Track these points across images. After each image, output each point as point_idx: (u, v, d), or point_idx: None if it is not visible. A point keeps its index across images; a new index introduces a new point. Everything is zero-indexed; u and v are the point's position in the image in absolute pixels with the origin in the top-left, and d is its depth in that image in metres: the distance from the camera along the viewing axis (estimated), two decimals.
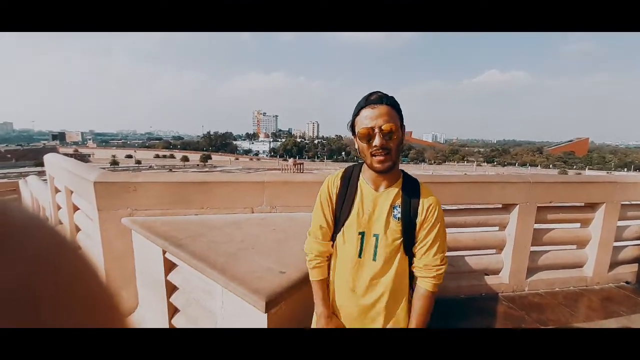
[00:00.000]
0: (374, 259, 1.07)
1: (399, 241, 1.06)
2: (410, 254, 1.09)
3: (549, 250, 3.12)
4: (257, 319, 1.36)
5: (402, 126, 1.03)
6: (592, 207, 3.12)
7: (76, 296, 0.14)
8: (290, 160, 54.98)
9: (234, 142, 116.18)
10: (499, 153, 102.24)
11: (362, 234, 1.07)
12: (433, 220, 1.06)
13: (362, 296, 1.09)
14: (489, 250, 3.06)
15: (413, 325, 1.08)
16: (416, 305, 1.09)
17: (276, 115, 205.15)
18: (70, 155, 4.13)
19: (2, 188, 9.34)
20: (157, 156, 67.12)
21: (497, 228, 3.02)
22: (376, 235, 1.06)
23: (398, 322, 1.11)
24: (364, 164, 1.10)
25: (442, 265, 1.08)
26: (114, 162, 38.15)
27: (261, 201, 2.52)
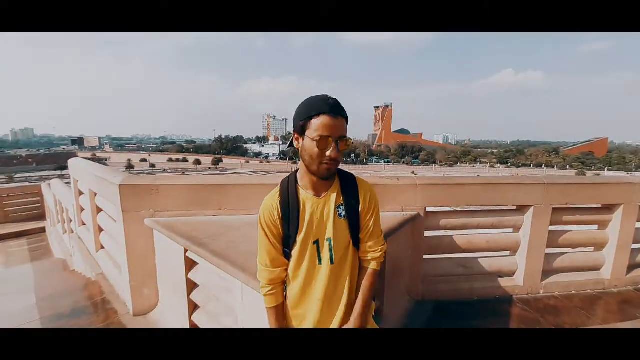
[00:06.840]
0: (332, 262, 1.10)
1: (349, 237, 1.12)
2: (357, 244, 1.15)
3: (565, 253, 3.08)
4: None
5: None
6: (609, 208, 3.07)
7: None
8: (300, 163, 55.15)
9: (245, 146, 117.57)
10: (513, 154, 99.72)
11: (317, 242, 1.09)
12: (373, 207, 1.14)
13: (330, 301, 1.11)
14: (503, 252, 3.05)
15: (360, 301, 1.13)
16: (364, 284, 1.15)
17: (286, 119, 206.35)
18: (88, 160, 4.32)
19: (24, 192, 9.75)
20: (171, 160, 68.61)
21: (511, 230, 3.00)
22: (329, 240, 1.09)
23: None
24: (298, 171, 1.12)
25: (384, 244, 1.18)
26: (130, 166, 39.21)
27: None
